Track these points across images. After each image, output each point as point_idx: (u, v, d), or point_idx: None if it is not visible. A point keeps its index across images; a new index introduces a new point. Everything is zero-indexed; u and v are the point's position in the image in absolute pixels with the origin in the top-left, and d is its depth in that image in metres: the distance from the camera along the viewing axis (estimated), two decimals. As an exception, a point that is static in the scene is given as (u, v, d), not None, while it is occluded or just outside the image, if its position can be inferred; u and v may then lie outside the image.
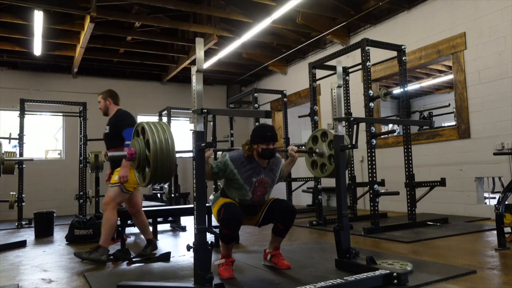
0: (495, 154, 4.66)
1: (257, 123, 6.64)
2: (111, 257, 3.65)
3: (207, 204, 3.14)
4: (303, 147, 9.46)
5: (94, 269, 3.29)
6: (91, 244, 4.49)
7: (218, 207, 2.85)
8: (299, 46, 8.38)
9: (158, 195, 8.63)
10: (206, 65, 8.71)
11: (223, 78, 10.89)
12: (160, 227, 5.38)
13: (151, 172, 2.17)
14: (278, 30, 7.97)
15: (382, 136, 6.94)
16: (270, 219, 3.04)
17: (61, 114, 8.70)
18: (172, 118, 8.74)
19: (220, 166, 2.87)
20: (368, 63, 4.74)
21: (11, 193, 6.70)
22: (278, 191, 8.30)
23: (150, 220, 5.02)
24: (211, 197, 8.49)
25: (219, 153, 3.21)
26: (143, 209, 4.54)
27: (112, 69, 9.79)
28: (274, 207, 3.01)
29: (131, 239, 4.90)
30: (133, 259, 3.55)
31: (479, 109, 5.59)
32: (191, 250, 2.36)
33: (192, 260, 2.42)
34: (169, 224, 5.78)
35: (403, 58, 4.98)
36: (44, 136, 9.43)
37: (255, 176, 2.91)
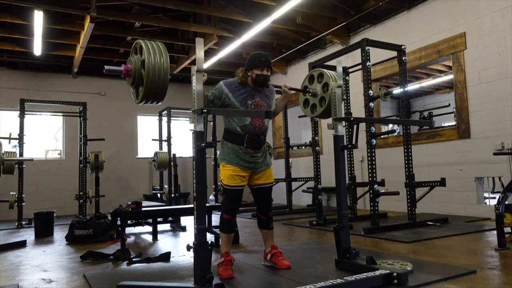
0: (495, 154, 4.66)
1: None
2: (111, 257, 3.65)
3: (207, 204, 3.15)
4: (303, 147, 9.47)
5: (94, 269, 3.29)
6: (91, 244, 4.50)
7: (225, 184, 2.95)
8: (299, 46, 8.38)
9: (158, 195, 8.64)
10: (206, 65, 8.71)
11: (223, 78, 10.85)
12: (160, 227, 5.37)
13: (144, 90, 2.26)
14: (278, 30, 7.97)
15: (382, 136, 6.94)
16: (255, 196, 3.13)
17: (61, 114, 8.70)
18: (172, 118, 8.75)
19: (215, 93, 2.95)
20: (368, 63, 4.74)
21: (11, 193, 6.70)
22: (278, 191, 8.32)
23: (150, 220, 5.04)
24: (211, 197, 8.54)
25: (218, 153, 3.21)
26: (143, 209, 4.56)
27: (112, 69, 9.77)
28: (262, 193, 3.09)
29: (131, 239, 4.90)
30: (133, 259, 3.55)
31: (479, 109, 5.59)
32: (191, 250, 2.36)
33: (192, 260, 2.42)
34: (169, 224, 5.77)
35: (403, 58, 4.98)
36: (44, 136, 9.43)
37: (250, 99, 2.98)
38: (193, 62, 3.80)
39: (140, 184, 9.75)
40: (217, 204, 5.92)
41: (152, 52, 2.25)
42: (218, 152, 5.92)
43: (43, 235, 5.29)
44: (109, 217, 4.66)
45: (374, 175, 4.68)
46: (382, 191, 4.93)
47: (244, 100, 2.96)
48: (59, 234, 5.41)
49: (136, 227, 5.49)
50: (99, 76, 9.70)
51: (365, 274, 2.50)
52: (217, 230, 2.92)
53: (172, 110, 8.58)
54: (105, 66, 2.35)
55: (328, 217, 5.41)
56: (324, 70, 3.18)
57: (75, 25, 7.06)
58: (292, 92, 3.28)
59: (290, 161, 7.65)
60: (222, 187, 3.03)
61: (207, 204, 3.24)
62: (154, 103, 2.37)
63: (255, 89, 3.02)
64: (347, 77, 6.07)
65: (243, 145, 2.95)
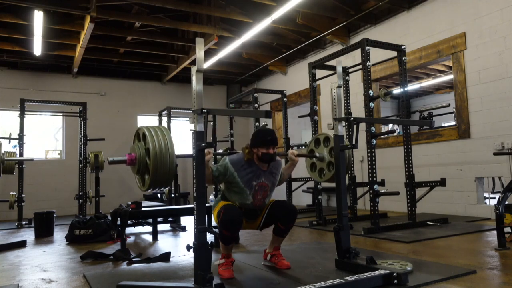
0: (495, 154, 4.66)
1: (257, 124, 6.64)
2: (111, 257, 3.65)
3: (207, 204, 3.14)
4: (303, 147, 9.48)
5: (94, 269, 3.29)
6: (91, 244, 4.50)
7: (218, 209, 2.85)
8: (299, 46, 8.38)
9: (158, 195, 8.64)
10: (206, 65, 8.71)
11: (223, 78, 10.89)
12: (160, 227, 5.37)
13: (150, 178, 2.18)
14: (278, 30, 7.97)
15: (382, 136, 6.94)
16: (271, 221, 3.04)
17: (61, 114, 8.70)
18: (172, 118, 8.74)
19: (220, 170, 2.86)
20: (368, 63, 4.74)
21: (11, 193, 6.70)
22: (278, 191, 8.29)
23: (150, 220, 5.04)
24: (211, 197, 8.54)
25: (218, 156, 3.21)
26: (143, 209, 4.55)
27: (112, 69, 9.78)
28: (275, 208, 3.00)
29: (131, 239, 4.90)
30: (133, 259, 3.55)
31: (479, 109, 5.59)
32: (191, 250, 2.36)
33: (192, 260, 2.42)
34: (169, 224, 5.77)
35: (403, 58, 4.98)
36: (44, 136, 9.43)
37: (255, 180, 2.90)
38: (193, 62, 3.80)
39: (140, 184, 9.73)
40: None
41: (156, 137, 2.17)
42: (219, 151, 5.91)
43: (43, 235, 5.28)
44: (109, 217, 4.66)
45: (374, 175, 4.68)
46: (382, 191, 4.93)
47: (249, 181, 2.88)
48: (59, 234, 5.41)
49: (136, 227, 5.49)
50: (99, 76, 9.70)
51: (365, 274, 2.50)
52: (217, 230, 2.90)
53: (172, 110, 8.58)
54: (108, 158, 2.30)
55: (328, 217, 5.41)
56: (330, 135, 3.12)
57: (75, 25, 7.05)
58: (298, 160, 3.18)
59: (290, 161, 7.64)
60: (215, 219, 2.88)
61: (207, 204, 3.24)
62: (162, 189, 2.34)
63: (260, 168, 2.94)
64: (347, 77, 6.07)
65: None
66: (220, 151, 6.84)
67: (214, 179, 2.88)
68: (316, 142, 3.31)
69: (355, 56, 6.87)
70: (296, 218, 3.03)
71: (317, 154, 3.22)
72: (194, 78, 2.43)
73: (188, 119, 10.40)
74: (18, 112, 6.96)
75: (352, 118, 2.98)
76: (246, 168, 2.89)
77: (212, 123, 7.71)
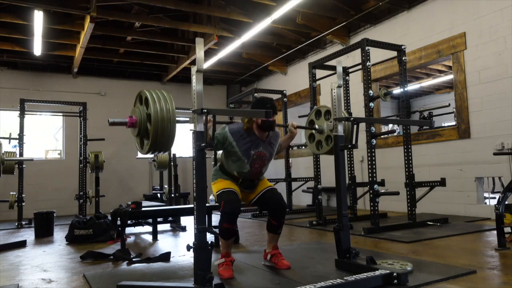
0: (495, 154, 4.66)
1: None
2: (111, 257, 3.65)
3: (207, 204, 3.15)
4: (303, 147, 9.46)
5: (94, 269, 3.29)
6: (91, 244, 4.50)
7: (218, 192, 2.90)
8: (299, 46, 8.38)
9: (158, 195, 8.64)
10: (206, 65, 8.71)
11: (223, 78, 10.89)
12: (160, 227, 5.37)
13: (150, 143, 2.21)
14: (278, 30, 7.97)
15: (382, 136, 6.94)
16: (262, 205, 3.11)
17: (61, 114, 8.70)
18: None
19: (219, 138, 2.89)
20: (368, 63, 4.74)
21: (11, 193, 6.70)
22: (279, 191, 8.30)
23: (150, 220, 5.04)
24: (211, 197, 8.54)
25: (219, 152, 3.20)
26: (143, 209, 4.56)
27: (112, 69, 9.79)
28: (268, 198, 3.04)
29: (131, 239, 4.90)
30: (133, 259, 3.55)
31: (479, 109, 5.59)
32: (191, 250, 2.36)
33: (192, 260, 2.41)
34: (169, 224, 5.77)
35: (403, 58, 4.98)
36: (44, 136, 9.44)
37: (253, 149, 2.93)
38: (193, 62, 3.80)
39: (140, 184, 9.75)
40: (217, 204, 5.92)
41: (158, 102, 2.17)
42: (218, 152, 5.92)
43: (43, 235, 5.28)
44: (109, 217, 4.66)
45: (374, 175, 4.68)
46: (382, 191, 4.93)
47: (248, 150, 2.90)
48: (59, 234, 5.41)
49: (136, 227, 5.49)
50: (99, 76, 9.70)
51: (365, 274, 2.50)
52: (217, 230, 2.90)
53: (172, 110, 8.57)
54: (109, 119, 2.30)
55: (328, 217, 5.40)
56: (330, 107, 3.12)
57: (75, 25, 7.06)
58: (297, 132, 3.21)
59: (290, 161, 7.66)
60: (215, 197, 2.95)
61: (207, 204, 3.24)
62: (161, 153, 2.34)
63: (260, 138, 2.95)
64: (347, 77, 6.07)
65: (236, 183, 2.98)
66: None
67: (213, 144, 2.90)
68: (317, 113, 3.29)
69: (355, 56, 6.87)
70: (285, 214, 3.08)
71: (317, 127, 3.21)
72: (194, 78, 2.43)
73: (188, 119, 10.38)
74: (18, 112, 6.96)
75: (352, 118, 2.98)
76: (245, 138, 2.92)
77: (212, 132, 7.71)
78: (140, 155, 9.85)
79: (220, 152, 3.32)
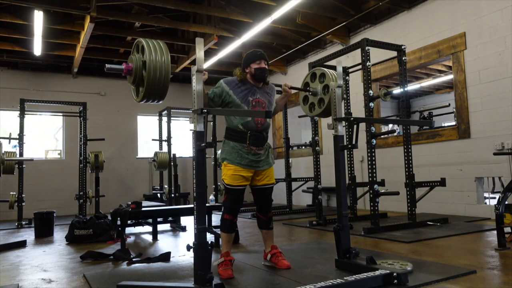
0: (495, 154, 4.66)
1: None
2: (111, 257, 3.65)
3: (207, 204, 3.15)
4: (303, 147, 9.44)
5: (94, 269, 3.29)
6: (91, 244, 4.50)
7: (227, 184, 2.93)
8: (299, 46, 8.38)
9: (158, 195, 8.64)
10: (206, 65, 8.71)
11: (224, 77, 10.86)
12: (160, 227, 5.37)
13: (144, 91, 2.26)
14: (278, 30, 7.97)
15: (382, 136, 6.94)
16: (256, 196, 3.12)
17: (61, 114, 8.70)
18: (172, 118, 8.75)
19: (216, 91, 2.93)
20: (368, 63, 4.74)
21: (11, 193, 6.70)
22: (278, 191, 8.31)
23: (150, 220, 5.04)
24: (211, 197, 8.53)
25: (219, 152, 3.20)
26: (143, 209, 4.56)
27: (112, 69, 9.77)
28: (263, 193, 3.08)
29: (131, 239, 4.90)
30: (133, 259, 3.55)
31: (479, 109, 5.59)
32: (191, 250, 2.36)
33: (192, 260, 2.41)
34: (169, 224, 5.77)
35: (403, 58, 4.98)
36: (44, 136, 9.43)
37: (251, 96, 2.97)
38: (193, 62, 3.80)
39: (140, 184, 9.75)
40: (217, 204, 5.92)
41: (154, 51, 2.24)
42: (218, 152, 5.92)
43: (43, 235, 5.29)
44: (109, 217, 4.66)
45: (374, 175, 4.68)
46: (382, 191, 4.93)
47: (245, 96, 2.95)
48: (59, 234, 5.41)
49: (136, 227, 5.49)
50: (99, 76, 9.70)
51: (365, 274, 2.50)
52: (217, 230, 2.91)
53: (172, 110, 8.58)
54: (106, 64, 2.34)
55: (328, 217, 5.41)
56: (327, 70, 3.16)
57: (75, 25, 7.06)
58: (293, 91, 3.28)
59: (290, 161, 7.65)
60: (223, 186, 3.03)
61: (207, 204, 3.24)
62: (155, 101, 2.36)
63: (255, 86, 3.02)
64: (347, 77, 6.07)
65: (245, 143, 2.94)
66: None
67: (210, 102, 2.93)
68: (312, 76, 3.30)
69: (355, 56, 6.87)
70: (271, 207, 3.13)
71: (311, 89, 3.23)
72: (194, 78, 2.43)
73: (188, 119, 10.40)
74: (18, 112, 6.96)
75: (352, 118, 2.98)
76: (241, 86, 2.98)
77: (212, 123, 7.72)
78: (140, 155, 9.86)
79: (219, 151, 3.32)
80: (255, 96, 2.99)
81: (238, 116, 2.95)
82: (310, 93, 3.26)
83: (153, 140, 9.18)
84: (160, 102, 2.39)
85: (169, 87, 2.31)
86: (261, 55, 3.00)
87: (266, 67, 3.02)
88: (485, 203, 5.82)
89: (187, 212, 4.87)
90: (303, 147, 8.84)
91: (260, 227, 3.16)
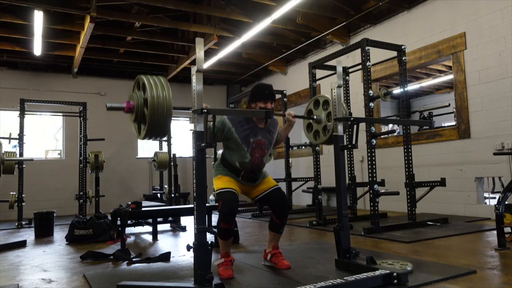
0: (495, 154, 4.66)
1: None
2: (111, 257, 3.65)
3: (207, 204, 3.15)
4: (303, 147, 9.45)
5: (94, 269, 3.29)
6: (91, 244, 4.50)
7: (217, 190, 2.90)
8: (299, 46, 8.38)
9: (158, 195, 8.64)
10: (206, 65, 8.71)
11: (223, 78, 10.89)
12: (160, 227, 5.37)
13: (147, 128, 2.24)
14: (278, 30, 7.97)
15: (382, 136, 6.94)
16: (266, 203, 3.09)
17: (61, 114, 8.70)
18: (172, 118, 8.73)
19: (218, 126, 2.90)
20: (368, 63, 4.74)
21: (11, 193, 6.70)
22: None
23: (150, 220, 5.04)
24: (211, 197, 8.53)
25: (219, 152, 3.20)
26: (143, 209, 4.55)
27: (112, 69, 9.79)
28: (273, 196, 3.03)
29: (131, 239, 4.90)
30: (133, 259, 3.55)
31: (479, 109, 5.59)
32: (191, 250, 2.36)
33: (192, 260, 2.41)
34: (169, 224, 5.77)
35: (403, 58, 4.98)
36: (44, 136, 9.44)
37: (252, 137, 2.93)
38: (193, 62, 3.80)
39: (140, 184, 9.75)
40: (217, 204, 5.91)
41: (155, 88, 2.20)
42: (218, 152, 5.92)
43: (43, 235, 5.29)
44: (109, 217, 4.66)
45: (374, 175, 4.68)
46: (382, 191, 4.93)
47: (247, 137, 2.91)
48: (59, 234, 5.41)
49: (136, 227, 5.49)
50: (99, 76, 9.70)
51: (365, 274, 2.50)
52: (217, 230, 2.90)
53: (172, 110, 8.57)
54: (106, 104, 2.31)
55: (328, 217, 5.41)
56: (329, 97, 3.11)
57: (75, 25, 7.06)
58: (295, 120, 3.20)
59: (290, 161, 7.65)
60: (215, 196, 2.95)
61: (207, 204, 3.24)
62: (158, 138, 2.35)
63: (258, 125, 2.96)
64: (347, 77, 6.07)
65: (239, 177, 2.97)
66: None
67: (212, 136, 2.89)
68: (315, 103, 3.29)
69: (355, 56, 6.87)
70: (288, 211, 3.08)
71: (315, 116, 3.21)
72: (194, 78, 2.43)
73: (188, 119, 10.40)
74: (18, 112, 6.96)
75: (352, 118, 2.98)
76: (244, 125, 2.92)
77: (212, 123, 7.71)
78: (140, 155, 9.86)
79: (220, 152, 3.31)
80: (257, 137, 2.95)
81: (237, 155, 2.92)
82: (314, 121, 3.24)
83: (153, 140, 9.17)
84: (163, 138, 2.38)
85: (171, 89, 2.30)
86: (269, 95, 2.92)
87: (272, 107, 2.95)
88: (485, 203, 5.82)
89: (187, 212, 4.87)
90: (303, 147, 8.84)
91: (270, 229, 3.10)
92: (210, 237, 2.42)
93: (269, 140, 3.05)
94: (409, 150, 4.94)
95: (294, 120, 3.17)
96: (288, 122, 3.19)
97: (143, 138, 2.33)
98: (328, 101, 3.13)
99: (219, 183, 2.95)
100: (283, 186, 7.50)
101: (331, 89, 3.04)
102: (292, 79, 9.42)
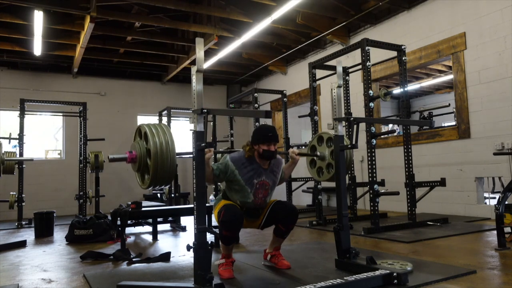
0: (495, 154, 4.66)
1: (257, 123, 6.64)
2: (111, 257, 3.65)
3: (207, 204, 3.14)
4: (303, 147, 9.46)
5: (94, 269, 3.29)
6: (91, 244, 4.50)
7: (219, 209, 2.84)
8: (299, 46, 8.38)
9: (158, 195, 8.64)
10: (206, 65, 8.71)
11: (223, 78, 10.88)
12: (160, 227, 5.37)
13: (151, 178, 2.20)
14: (278, 30, 7.97)
15: (382, 136, 6.94)
16: (273, 221, 3.03)
17: (61, 114, 8.70)
18: (172, 118, 8.74)
19: (221, 168, 2.85)
20: (368, 63, 4.74)
21: (11, 193, 6.70)
22: (278, 190, 8.30)
23: (150, 220, 5.04)
24: (211, 197, 8.53)
25: (219, 155, 3.20)
26: (143, 209, 4.55)
27: (112, 69, 9.79)
28: (277, 209, 2.99)
29: (131, 239, 4.90)
30: (133, 259, 3.55)
31: (479, 109, 5.59)
32: (191, 250, 2.36)
33: (192, 260, 2.42)
34: (169, 224, 5.77)
35: (403, 58, 4.98)
36: (44, 136, 9.43)
37: (256, 178, 2.89)
38: (193, 62, 3.80)
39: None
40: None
41: (157, 136, 2.17)
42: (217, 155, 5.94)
43: (43, 235, 5.28)
44: (109, 217, 4.66)
45: (374, 175, 4.68)
46: (382, 191, 4.93)
47: (250, 178, 2.87)
48: (59, 234, 5.41)
49: (136, 227, 5.49)
50: (99, 76, 9.70)
51: (365, 274, 2.50)
52: (217, 230, 2.90)
53: (172, 110, 8.58)
54: (109, 156, 2.30)
55: (328, 217, 5.41)
56: (332, 135, 3.10)
57: (75, 25, 7.05)
58: (299, 158, 3.16)
59: (290, 161, 7.63)
60: (217, 218, 2.86)
61: (207, 204, 3.24)
62: (162, 187, 2.34)
63: (262, 166, 2.93)
64: (347, 77, 6.07)
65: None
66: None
67: (215, 178, 2.86)
68: (319, 139, 3.30)
69: (355, 56, 6.87)
70: (297, 219, 3.02)
71: (318, 153, 3.21)
72: (194, 78, 2.43)
73: (188, 119, 10.40)
74: (18, 112, 6.96)
75: (352, 118, 2.98)
76: (247, 166, 2.88)
77: (212, 123, 7.71)
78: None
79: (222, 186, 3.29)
80: (261, 178, 2.91)
81: (239, 194, 2.89)
82: (317, 158, 3.23)
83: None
84: (167, 188, 2.38)
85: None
86: (272, 137, 2.85)
87: (276, 148, 2.91)
88: (485, 203, 5.82)
89: (187, 212, 4.87)
90: (303, 147, 8.83)
91: (275, 233, 3.08)
92: (210, 237, 2.43)
93: (273, 180, 3.00)
94: (409, 150, 4.94)
95: (298, 158, 3.12)
96: (292, 160, 3.14)
97: (147, 188, 2.30)
98: (331, 138, 3.11)
99: (221, 204, 2.90)
100: (283, 186, 7.52)
101: (331, 89, 3.04)
102: (292, 79, 9.42)
